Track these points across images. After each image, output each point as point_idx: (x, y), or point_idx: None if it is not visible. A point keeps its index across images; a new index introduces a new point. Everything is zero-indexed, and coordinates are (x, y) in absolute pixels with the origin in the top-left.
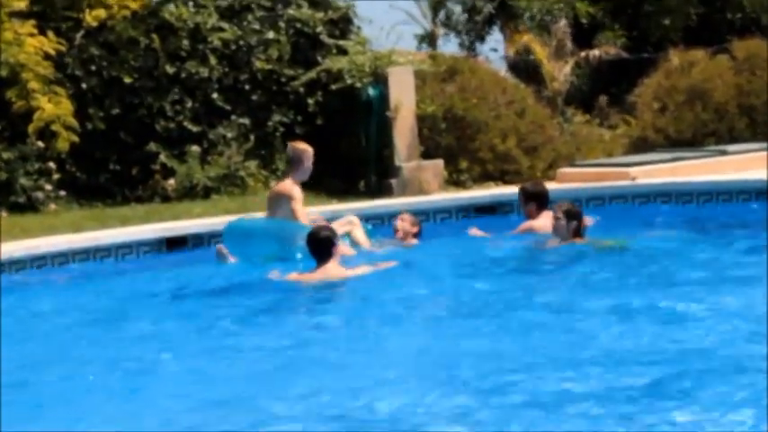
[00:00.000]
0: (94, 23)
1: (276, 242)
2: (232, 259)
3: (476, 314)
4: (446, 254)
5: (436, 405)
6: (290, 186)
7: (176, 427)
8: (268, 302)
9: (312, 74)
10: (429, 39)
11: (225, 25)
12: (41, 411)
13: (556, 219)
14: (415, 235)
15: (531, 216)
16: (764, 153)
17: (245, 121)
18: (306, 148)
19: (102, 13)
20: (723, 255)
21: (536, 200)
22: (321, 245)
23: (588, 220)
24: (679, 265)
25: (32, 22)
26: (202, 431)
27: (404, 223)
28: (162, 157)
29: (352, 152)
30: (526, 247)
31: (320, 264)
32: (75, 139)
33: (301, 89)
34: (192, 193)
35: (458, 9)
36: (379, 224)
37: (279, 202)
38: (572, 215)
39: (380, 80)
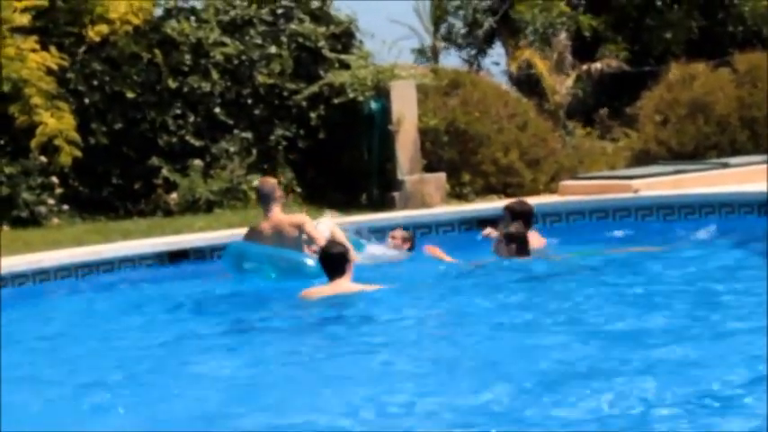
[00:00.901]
0: (97, 39)
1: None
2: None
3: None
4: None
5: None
6: (297, 215)
7: None
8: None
9: (314, 88)
10: (431, 52)
11: (227, 40)
12: (44, 422)
13: (498, 242)
14: (409, 248)
15: None
16: (766, 165)
17: (248, 135)
18: (275, 180)
19: (104, 28)
20: (723, 267)
21: (523, 218)
22: (335, 260)
23: (538, 241)
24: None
25: (35, 37)
26: None
27: (395, 240)
28: (164, 172)
29: (354, 165)
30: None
31: (332, 279)
32: (78, 153)
33: (303, 103)
34: (194, 206)
35: (459, 24)
36: (381, 238)
37: (288, 234)
38: (510, 238)
39: (383, 94)
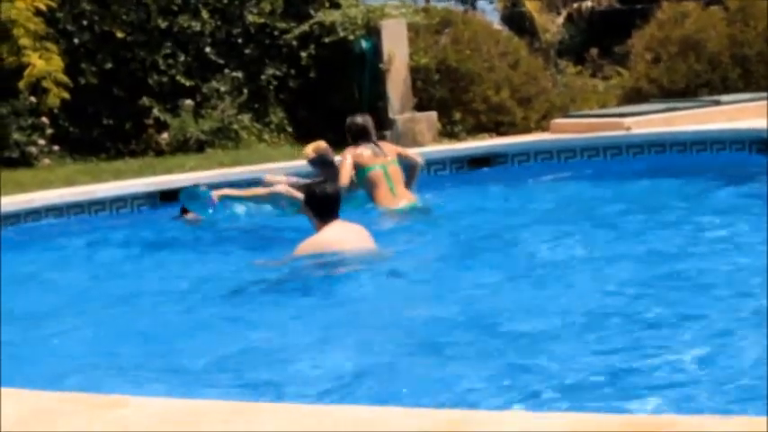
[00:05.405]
0: None
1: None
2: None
3: None
4: None
5: None
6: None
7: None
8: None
9: (305, 27)
10: None
11: None
12: (37, 366)
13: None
14: None
15: None
16: (757, 103)
17: (239, 74)
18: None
19: None
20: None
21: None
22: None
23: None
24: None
25: None
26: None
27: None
28: (155, 111)
29: (345, 104)
30: None
31: (328, 222)
32: (66, 95)
33: (294, 42)
34: (185, 146)
35: None
36: None
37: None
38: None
39: (373, 32)
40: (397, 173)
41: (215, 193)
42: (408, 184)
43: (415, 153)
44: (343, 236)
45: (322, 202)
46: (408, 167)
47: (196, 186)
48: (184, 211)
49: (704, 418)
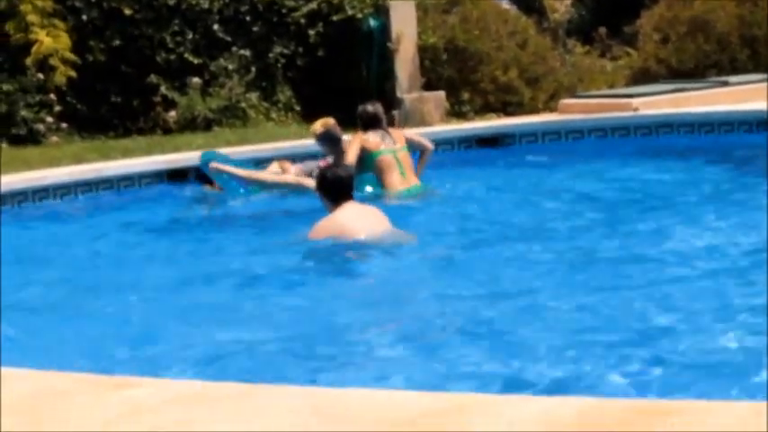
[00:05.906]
0: None
1: None
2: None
3: None
4: None
5: None
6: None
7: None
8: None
9: (313, 5)
10: None
11: None
12: (44, 345)
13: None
14: None
15: None
16: (766, 84)
17: (246, 52)
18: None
19: None
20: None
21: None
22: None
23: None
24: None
25: None
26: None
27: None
28: (163, 89)
29: (353, 83)
30: None
31: (341, 204)
32: (73, 73)
33: (302, 20)
34: (193, 124)
35: None
36: None
37: None
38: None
39: (382, 11)
40: (407, 158)
41: (213, 165)
42: (418, 169)
43: (425, 139)
44: (358, 218)
45: (334, 185)
46: (418, 153)
47: (212, 152)
48: (208, 181)
49: (708, 404)
